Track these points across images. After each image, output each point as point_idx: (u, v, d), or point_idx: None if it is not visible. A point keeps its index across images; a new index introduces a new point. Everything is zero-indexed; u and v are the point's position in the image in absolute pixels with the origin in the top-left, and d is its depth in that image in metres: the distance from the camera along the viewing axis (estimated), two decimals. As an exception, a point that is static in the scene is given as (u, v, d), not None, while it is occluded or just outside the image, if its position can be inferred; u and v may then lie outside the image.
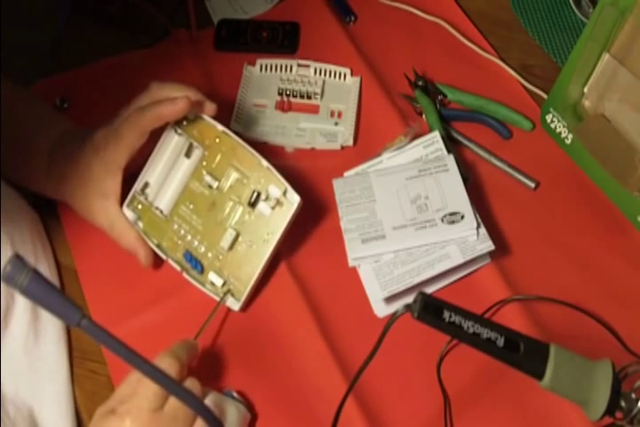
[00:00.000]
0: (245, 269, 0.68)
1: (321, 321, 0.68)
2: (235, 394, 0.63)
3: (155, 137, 0.69)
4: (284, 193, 0.66)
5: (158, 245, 0.71)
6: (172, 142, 0.70)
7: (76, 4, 0.90)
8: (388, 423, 0.64)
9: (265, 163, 0.66)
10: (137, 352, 0.41)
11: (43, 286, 0.38)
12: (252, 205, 0.67)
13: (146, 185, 0.71)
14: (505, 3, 0.91)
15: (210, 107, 0.68)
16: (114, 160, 0.67)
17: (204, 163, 0.69)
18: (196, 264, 0.69)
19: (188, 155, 0.70)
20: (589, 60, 0.70)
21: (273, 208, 0.66)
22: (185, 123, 0.69)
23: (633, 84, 0.67)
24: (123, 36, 0.89)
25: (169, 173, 0.71)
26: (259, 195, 0.67)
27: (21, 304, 0.66)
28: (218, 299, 0.69)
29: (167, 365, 0.57)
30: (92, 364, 0.68)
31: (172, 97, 0.66)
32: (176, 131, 0.69)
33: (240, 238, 0.68)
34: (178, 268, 0.70)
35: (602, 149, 0.73)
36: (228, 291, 0.68)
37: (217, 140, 0.68)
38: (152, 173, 0.71)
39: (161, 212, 0.71)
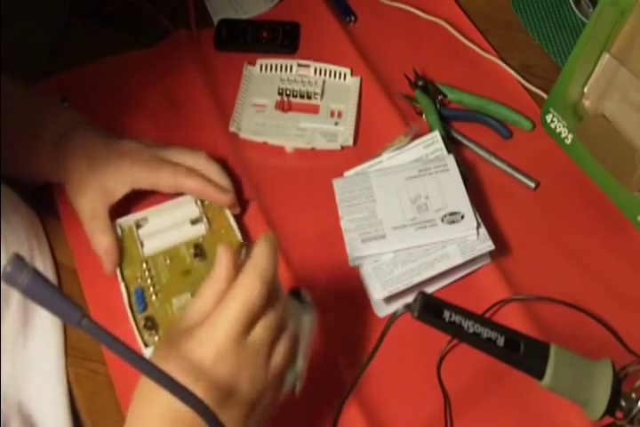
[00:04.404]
0: None
1: (321, 321, 0.68)
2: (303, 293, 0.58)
3: None
4: None
5: (121, 270, 0.70)
6: (189, 207, 0.73)
7: (76, 4, 0.90)
8: (388, 423, 0.64)
9: None
10: (137, 352, 0.41)
11: (43, 286, 0.38)
12: None
13: (145, 220, 0.72)
14: (505, 3, 0.91)
15: (224, 199, 0.71)
16: (134, 178, 0.69)
17: (201, 239, 0.71)
18: (141, 303, 0.68)
19: (193, 223, 0.72)
20: (589, 60, 0.70)
21: None
22: (207, 202, 0.73)
23: (633, 84, 0.67)
24: (123, 36, 0.88)
25: (169, 226, 0.72)
26: None
27: (13, 307, 0.65)
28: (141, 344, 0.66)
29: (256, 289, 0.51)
30: (92, 364, 0.68)
31: (221, 185, 0.71)
32: (196, 202, 0.73)
33: None
34: (125, 296, 0.68)
35: (602, 149, 0.73)
36: None
37: (223, 231, 0.71)
38: (155, 216, 0.72)
39: (142, 247, 0.71)
